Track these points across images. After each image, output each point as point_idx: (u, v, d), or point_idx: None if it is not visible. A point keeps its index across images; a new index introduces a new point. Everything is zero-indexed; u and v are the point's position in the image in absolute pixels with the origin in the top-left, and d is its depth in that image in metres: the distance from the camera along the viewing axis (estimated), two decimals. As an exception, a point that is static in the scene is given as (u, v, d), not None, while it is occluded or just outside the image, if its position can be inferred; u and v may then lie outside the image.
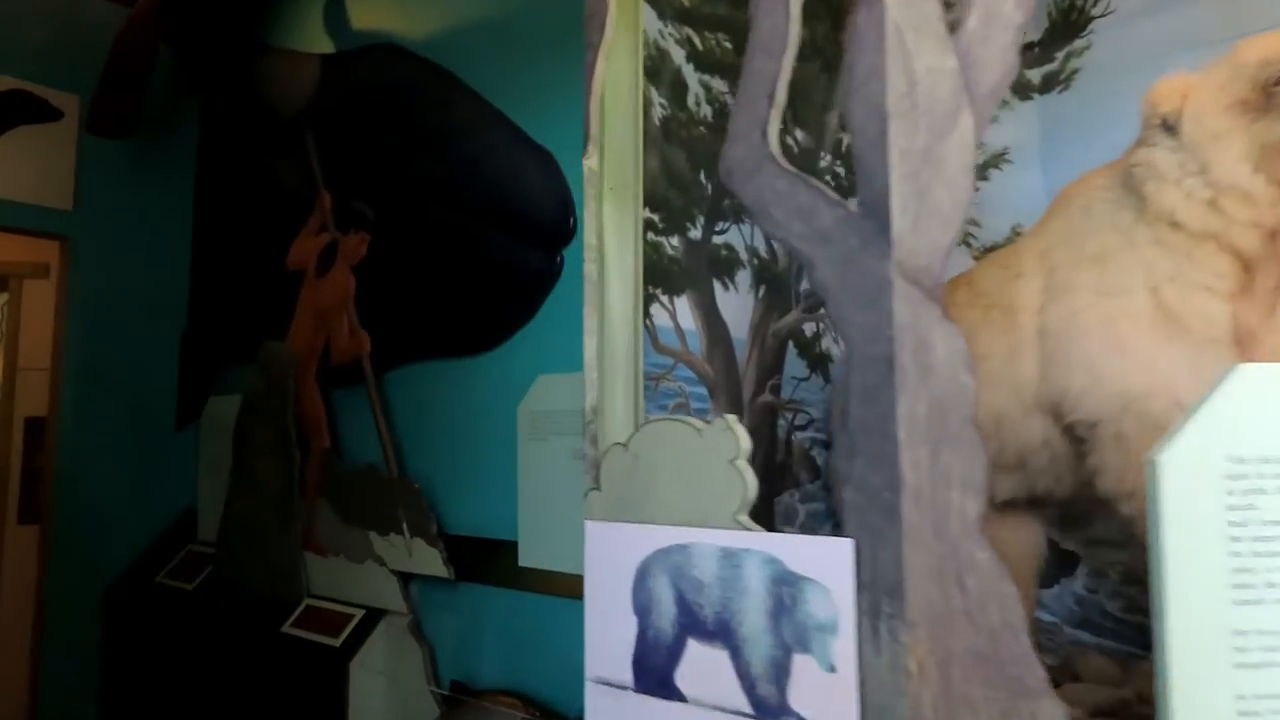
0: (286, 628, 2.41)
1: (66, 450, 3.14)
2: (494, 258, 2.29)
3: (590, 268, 1.28)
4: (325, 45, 2.92)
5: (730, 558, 0.97)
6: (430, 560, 2.15)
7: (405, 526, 2.22)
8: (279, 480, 2.58)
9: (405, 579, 2.29)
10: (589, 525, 1.20)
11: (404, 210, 2.54)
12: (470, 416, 2.32)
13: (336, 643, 2.25)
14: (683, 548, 1.03)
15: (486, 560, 2.19)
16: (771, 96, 1.00)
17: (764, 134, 1.00)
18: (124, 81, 2.76)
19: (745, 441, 0.99)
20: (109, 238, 3.29)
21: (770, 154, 0.99)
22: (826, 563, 0.86)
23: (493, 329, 2.27)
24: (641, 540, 1.09)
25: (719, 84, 1.65)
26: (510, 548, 2.14)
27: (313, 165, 2.74)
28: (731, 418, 1.02)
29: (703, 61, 1.66)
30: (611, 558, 1.14)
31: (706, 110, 1.66)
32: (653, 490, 1.11)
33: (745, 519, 0.98)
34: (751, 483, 0.98)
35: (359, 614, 2.30)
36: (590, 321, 1.28)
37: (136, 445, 3.30)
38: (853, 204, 0.89)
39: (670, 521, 1.06)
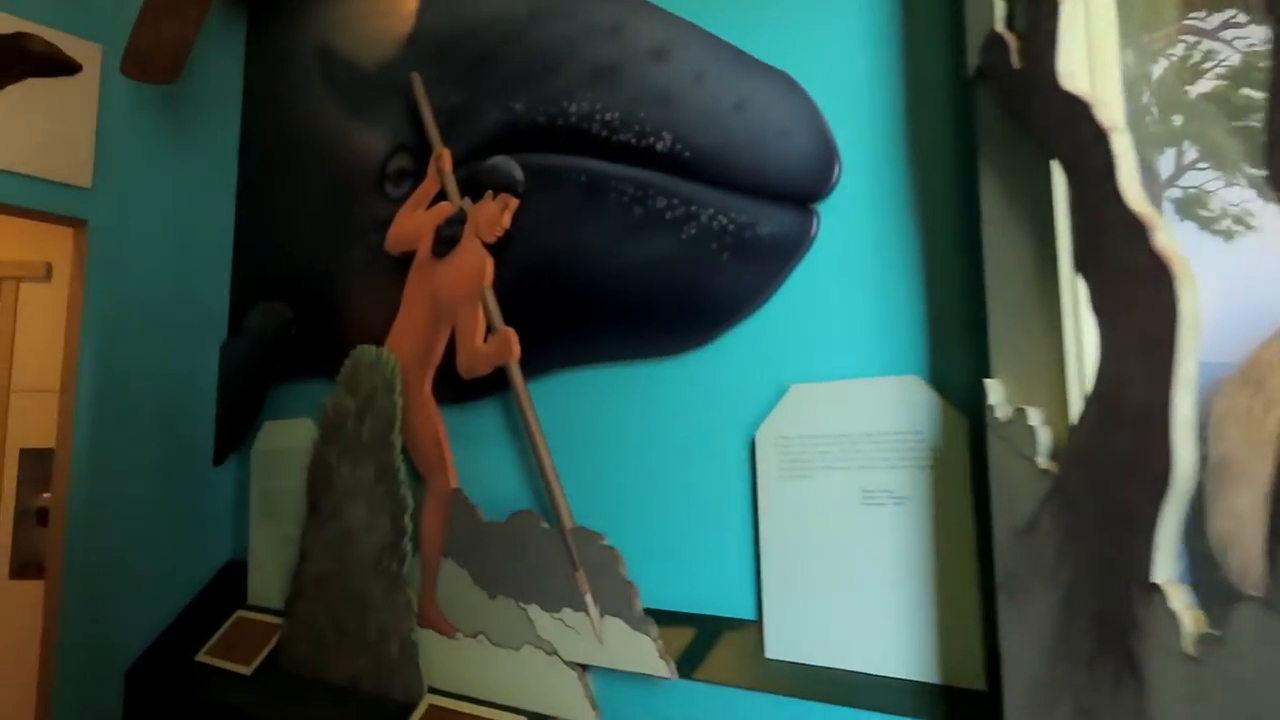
0: (402, 738, 1.74)
1: (79, 490, 2.45)
2: (701, 220, 1.65)
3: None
4: (426, -30, 2.29)
5: None
6: (636, 650, 1.50)
7: (590, 600, 1.56)
8: (381, 533, 1.91)
9: (582, 670, 1.62)
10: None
11: (554, 169, 1.90)
12: (667, 443, 1.67)
13: (485, 766, 1.59)
14: None
15: (710, 649, 1.53)
16: None
17: None
18: (173, 6, 2.12)
19: None
20: (135, 224, 2.62)
21: None
22: None
23: (700, 318, 1.63)
24: None
25: None
26: (747, 631, 1.49)
27: (424, 114, 2.10)
28: None
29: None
30: None
31: None
32: None
33: None
34: None
35: (513, 722, 1.63)
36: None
37: (165, 483, 2.62)
38: None
39: None
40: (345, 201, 2.46)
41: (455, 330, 1.87)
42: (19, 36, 2.38)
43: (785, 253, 1.54)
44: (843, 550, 1.41)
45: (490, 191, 1.85)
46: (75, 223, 2.54)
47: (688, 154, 1.69)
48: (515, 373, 1.76)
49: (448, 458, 1.87)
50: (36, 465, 3.43)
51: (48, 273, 3.38)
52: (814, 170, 1.53)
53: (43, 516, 3.35)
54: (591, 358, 1.81)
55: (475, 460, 1.94)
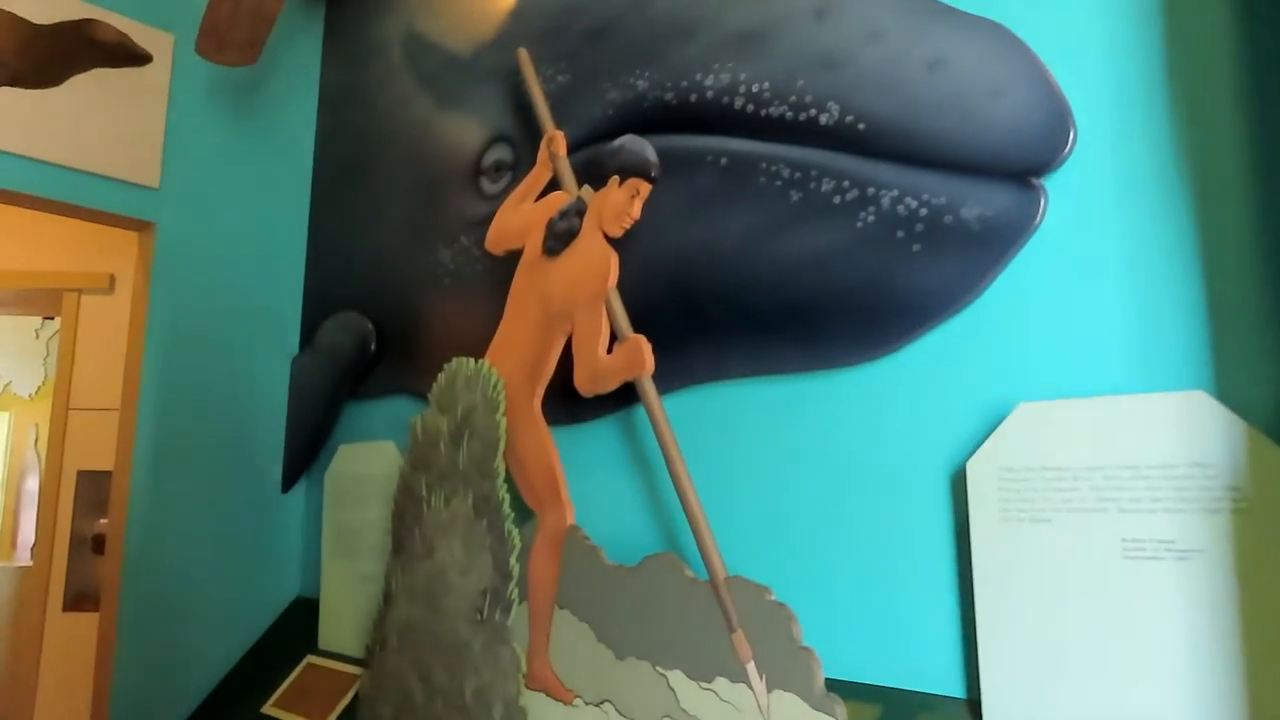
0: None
1: (138, 516, 2.22)
2: (882, 205, 1.36)
3: None
4: (530, -61, 2.05)
5: None
6: (819, 737, 1.19)
7: (753, 669, 1.25)
8: (482, 576, 1.63)
9: (737, 758, 1.32)
10: None
11: (687, 153, 1.63)
12: (842, 474, 1.37)
13: None
14: None
15: (910, 736, 1.22)
16: None
17: None
18: (254, -22, 1.90)
19: None
20: (204, 228, 2.41)
21: None
22: None
23: (882, 322, 1.34)
24: None
25: None
26: (952, 711, 1.18)
27: (532, 93, 1.84)
28: None
29: None
30: None
31: None
32: None
33: None
34: None
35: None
36: None
37: (230, 510, 2.38)
38: None
39: None
40: (434, 201, 2.21)
41: (572, 339, 1.60)
42: (86, 24, 2.19)
43: (1001, 239, 1.24)
44: (1098, 618, 1.09)
45: (616, 177, 1.58)
46: (141, 226, 2.33)
47: (861, 126, 1.40)
48: (649, 389, 1.47)
49: (562, 488, 1.58)
50: (94, 489, 3.22)
51: (110, 285, 3.20)
52: (1038, 137, 1.23)
53: (99, 544, 3.14)
54: (738, 370, 1.52)
55: (595, 491, 1.65)
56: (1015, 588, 1.16)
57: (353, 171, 2.53)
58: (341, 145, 2.59)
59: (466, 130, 2.17)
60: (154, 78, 2.32)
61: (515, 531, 1.62)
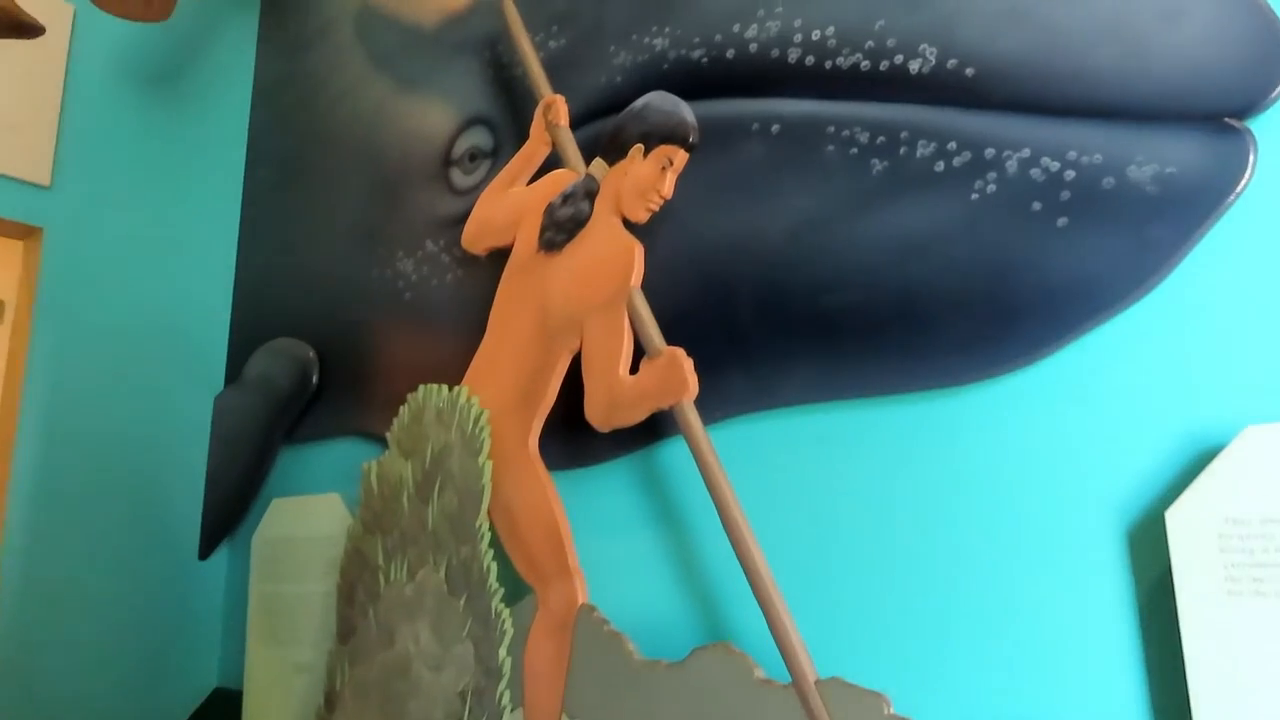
0: None
1: (11, 590, 1.75)
2: (1007, 168, 1.02)
3: None
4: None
5: None
6: None
7: (869, 818, 0.87)
8: (460, 672, 1.22)
9: None
10: None
11: (722, 121, 1.28)
12: (964, 530, 1.01)
13: None
14: None
15: None
16: None
17: None
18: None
19: None
20: (106, 236, 1.99)
21: None
22: None
23: (1015, 322, 1.00)
24: None
25: None
26: None
27: (522, 50, 1.48)
28: None
29: None
30: None
31: None
32: None
33: None
34: None
35: None
36: None
37: (132, 581, 1.92)
38: None
39: None
40: (392, 202, 1.83)
41: (582, 357, 1.22)
42: (-38, -16, 1.78)
43: (1192, 204, 0.91)
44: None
45: (640, 145, 1.22)
46: (25, 232, 1.89)
47: (970, 72, 1.07)
48: (692, 419, 1.10)
49: (570, 554, 1.19)
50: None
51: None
52: (1238, 66, 0.91)
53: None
54: (801, 395, 1.16)
55: (611, 558, 1.26)
56: (1252, 690, 0.80)
57: (293, 172, 2.13)
58: (280, 142, 2.19)
59: (432, 115, 1.79)
60: (47, 53, 1.91)
61: (506, 612, 1.22)
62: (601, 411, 1.17)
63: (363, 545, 1.42)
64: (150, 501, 1.98)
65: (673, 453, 1.26)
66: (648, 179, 1.20)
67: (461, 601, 1.25)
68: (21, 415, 1.81)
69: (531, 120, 1.52)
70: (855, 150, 1.16)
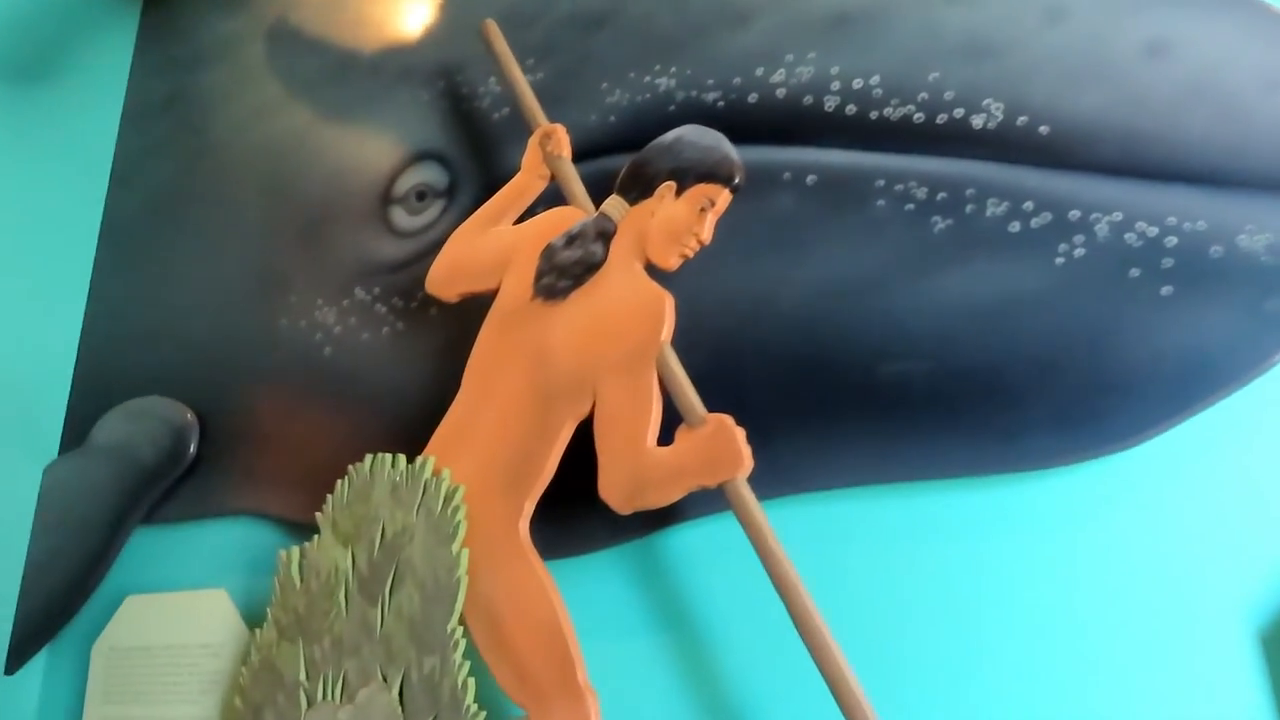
0: None
1: None
2: (1097, 233, 0.95)
3: None
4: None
5: None
6: None
7: None
8: (425, 825, 0.94)
9: None
10: None
11: (753, 166, 1.15)
12: (1054, 640, 0.88)
13: None
14: None
15: None
16: None
17: None
18: None
19: None
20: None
21: None
22: None
23: (1112, 399, 0.90)
24: None
25: None
26: None
27: (510, 76, 1.30)
28: None
29: None
30: None
31: None
32: None
33: None
34: None
35: None
36: None
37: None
38: None
39: None
40: (310, 243, 1.57)
41: (598, 423, 1.01)
42: None
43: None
44: None
45: (671, 184, 1.06)
46: None
47: (1045, 130, 1.00)
48: (746, 496, 0.92)
49: (576, 666, 0.95)
50: None
51: None
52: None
53: None
54: (857, 475, 1.00)
55: (619, 670, 1.03)
56: None
57: (170, 204, 1.81)
58: (154, 168, 1.87)
59: (368, 148, 1.57)
60: None
61: (490, 746, 0.96)
62: (624, 490, 0.97)
63: (275, 658, 1.12)
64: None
65: (688, 539, 1.07)
66: (683, 221, 1.05)
67: (426, 732, 0.98)
68: None
69: (496, 156, 1.34)
70: (912, 206, 1.06)
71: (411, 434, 1.19)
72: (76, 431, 1.71)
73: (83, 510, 1.59)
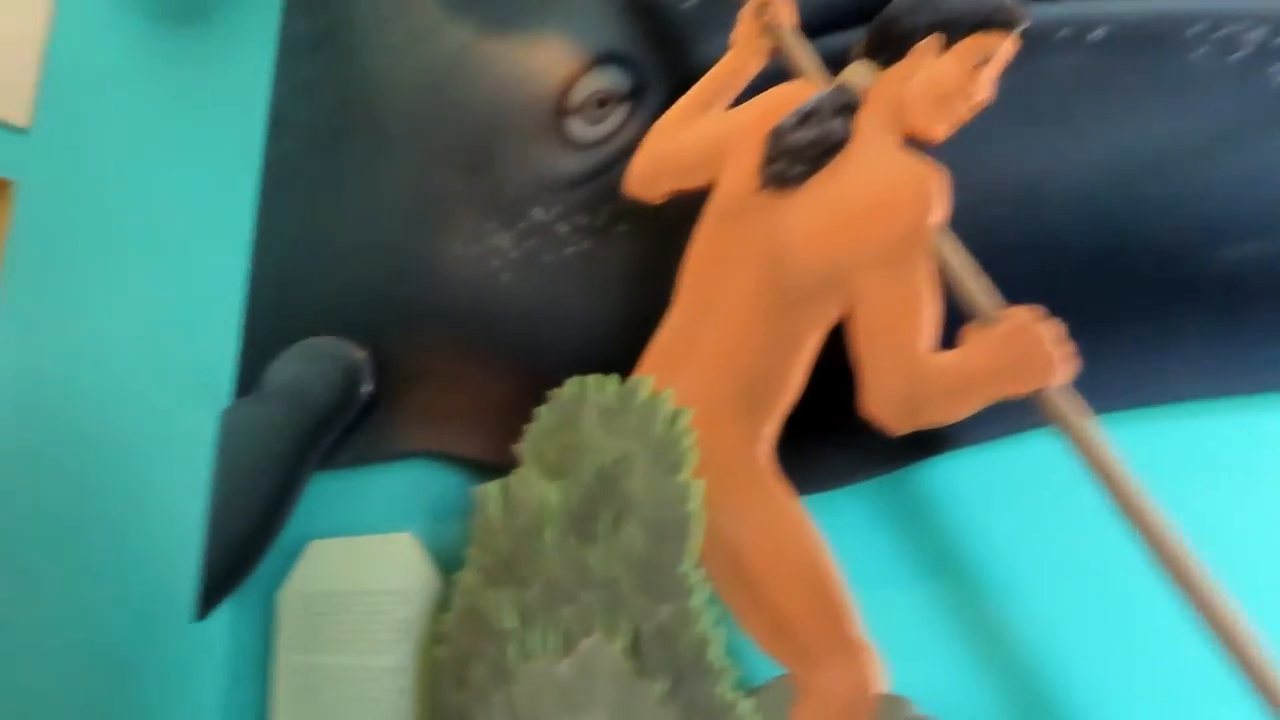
0: None
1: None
2: None
3: None
4: None
5: None
6: None
7: None
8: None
9: None
10: None
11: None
12: None
13: None
14: None
15: None
16: None
17: None
18: None
19: None
20: (93, 199, 1.56)
21: None
22: None
23: None
24: None
25: None
26: None
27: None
28: None
29: None
30: None
31: None
32: None
33: None
34: None
35: None
36: None
37: (105, 650, 1.44)
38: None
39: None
40: (479, 166, 1.45)
41: (856, 329, 0.85)
42: None
43: None
44: None
45: (938, 36, 0.87)
46: (-7, 185, 1.46)
47: None
48: (1066, 409, 0.73)
49: (847, 616, 0.80)
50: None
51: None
52: None
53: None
54: (1186, 386, 0.80)
55: (887, 623, 0.87)
56: None
57: (330, 141, 1.73)
58: (312, 108, 1.80)
59: (538, 57, 1.43)
60: (35, -34, 1.50)
61: (743, 705, 0.81)
62: (899, 405, 0.80)
63: (481, 604, 1.01)
64: (130, 541, 1.51)
65: (958, 470, 0.89)
66: (952, 81, 0.86)
67: (661, 687, 0.85)
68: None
69: (688, 50, 1.18)
70: (1242, 53, 0.83)
71: (607, 359, 1.06)
72: (248, 376, 1.66)
73: (260, 455, 1.54)
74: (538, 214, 1.34)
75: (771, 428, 0.88)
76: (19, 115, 1.44)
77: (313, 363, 1.54)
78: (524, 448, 1.03)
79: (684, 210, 1.10)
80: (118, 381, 1.53)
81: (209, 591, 1.54)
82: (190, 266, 1.69)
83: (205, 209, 1.74)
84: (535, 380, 1.15)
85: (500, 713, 0.95)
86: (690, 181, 1.03)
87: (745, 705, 0.81)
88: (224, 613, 1.58)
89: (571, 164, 1.32)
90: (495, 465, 1.21)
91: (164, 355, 1.61)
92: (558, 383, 1.06)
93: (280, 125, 1.84)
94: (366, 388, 1.46)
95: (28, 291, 1.44)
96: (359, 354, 1.49)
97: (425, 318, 1.44)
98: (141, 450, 1.55)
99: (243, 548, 1.53)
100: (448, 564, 1.23)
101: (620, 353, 1.06)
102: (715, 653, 0.83)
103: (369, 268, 1.56)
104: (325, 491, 1.49)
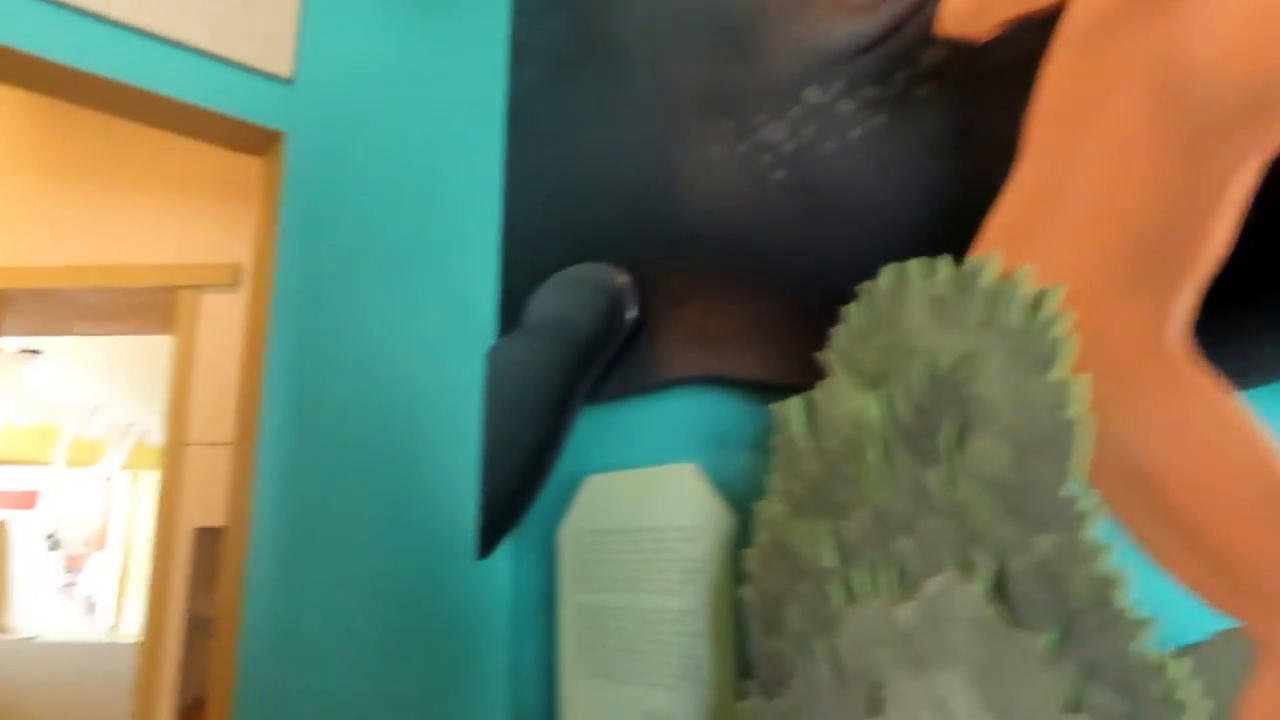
0: None
1: (261, 597, 1.33)
2: None
3: None
4: None
5: None
6: None
7: None
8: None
9: None
10: None
11: None
12: None
13: None
14: None
15: None
16: None
17: None
18: None
19: None
20: (355, 147, 1.56)
21: None
22: None
23: None
24: None
25: None
26: None
27: None
28: None
29: None
30: None
31: None
32: None
33: None
34: None
35: None
36: None
37: (394, 587, 1.46)
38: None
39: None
40: (741, 53, 1.28)
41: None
42: None
43: None
44: None
45: None
46: (264, 142, 1.49)
47: None
48: None
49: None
50: (215, 553, 2.41)
51: (235, 278, 2.42)
52: None
53: (217, 630, 2.29)
54: None
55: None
56: None
57: (573, 63, 1.64)
58: (553, 29, 1.71)
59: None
60: (286, -84, 1.50)
61: (1174, 667, 0.61)
62: None
63: (791, 537, 0.86)
64: (414, 485, 1.53)
65: None
66: None
67: (1047, 641, 0.66)
68: (266, 388, 1.39)
69: None
70: None
71: (923, 244, 0.86)
72: (510, 312, 1.62)
73: (529, 390, 1.50)
74: (813, 95, 1.16)
75: (1186, 302, 0.66)
76: (282, 67, 1.46)
77: (574, 292, 1.46)
78: (831, 355, 0.86)
79: (1009, 52, 0.88)
80: (390, 325, 1.54)
81: (488, 531, 1.53)
82: (453, 211, 1.67)
83: (458, 145, 1.71)
84: (822, 285, 0.99)
85: (824, 666, 0.80)
86: (1032, 4, 0.80)
87: (1177, 667, 0.60)
88: (506, 551, 1.56)
89: (849, 31, 1.12)
90: (782, 385, 1.06)
91: (430, 296, 1.60)
92: (849, 288, 0.88)
93: (524, 51, 1.77)
94: (631, 313, 1.36)
95: (305, 239, 1.46)
96: (621, 279, 1.39)
97: (689, 232, 1.31)
98: (428, 396, 1.56)
99: (517, 487, 1.50)
100: (735, 496, 1.10)
101: (939, 239, 0.87)
102: (1122, 597, 0.63)
103: (624, 187, 1.45)
104: (596, 426, 1.41)
